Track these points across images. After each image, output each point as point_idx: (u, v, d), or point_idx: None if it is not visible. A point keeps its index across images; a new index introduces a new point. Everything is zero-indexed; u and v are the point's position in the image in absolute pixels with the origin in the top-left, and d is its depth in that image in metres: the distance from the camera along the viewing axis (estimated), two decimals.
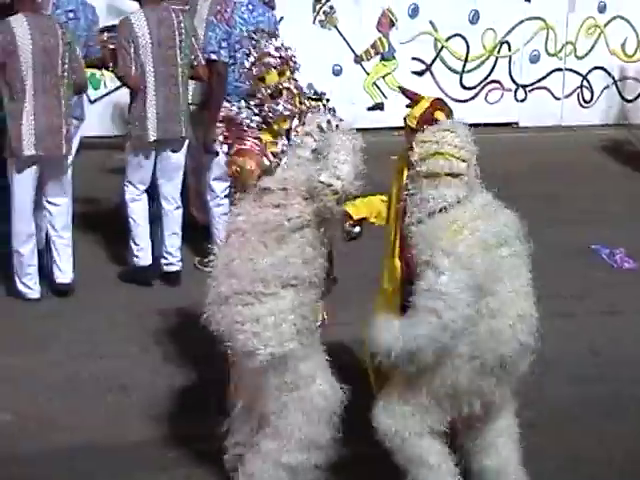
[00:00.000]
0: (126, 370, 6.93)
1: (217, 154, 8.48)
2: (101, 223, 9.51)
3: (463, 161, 5.00)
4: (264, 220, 5.01)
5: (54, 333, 7.51)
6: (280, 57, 5.87)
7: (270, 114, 5.75)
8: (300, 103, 5.70)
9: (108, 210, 9.47)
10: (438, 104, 5.47)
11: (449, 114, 5.40)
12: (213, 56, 8.51)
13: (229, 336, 5.03)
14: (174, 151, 8.60)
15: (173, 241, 8.73)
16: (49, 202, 8.21)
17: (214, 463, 5.65)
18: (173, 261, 8.75)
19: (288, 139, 5.80)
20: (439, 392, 4.95)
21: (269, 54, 5.82)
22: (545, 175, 11.72)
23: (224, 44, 8.48)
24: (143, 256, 8.63)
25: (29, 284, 8.15)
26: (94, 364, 7.04)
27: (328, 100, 5.75)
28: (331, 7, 13.44)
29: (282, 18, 11.52)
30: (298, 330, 4.97)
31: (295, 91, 5.82)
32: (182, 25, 8.41)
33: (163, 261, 8.73)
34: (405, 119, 5.47)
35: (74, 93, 8.25)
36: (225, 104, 8.51)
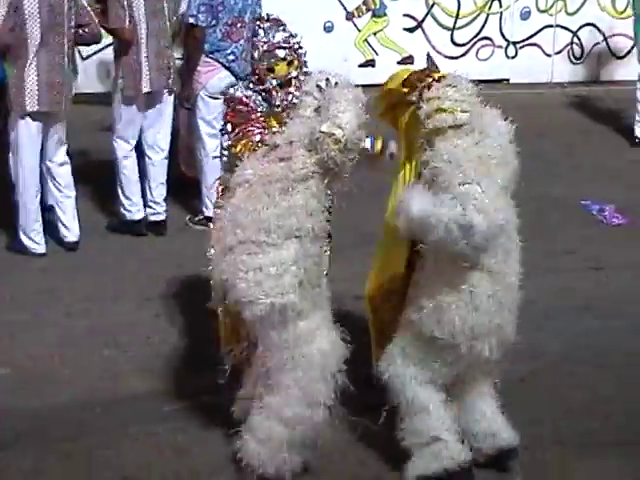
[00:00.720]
0: (122, 326, 6.95)
1: (189, 109, 8.81)
2: (96, 178, 9.50)
3: (465, 112, 5.05)
4: (270, 172, 5.02)
5: (52, 290, 7.52)
6: (289, 47, 5.88)
7: (282, 103, 5.79)
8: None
9: (102, 165, 9.44)
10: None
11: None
12: (191, 20, 8.60)
13: (232, 285, 5.02)
14: (163, 102, 8.65)
15: (160, 191, 8.77)
16: (52, 161, 8.19)
17: (209, 415, 5.70)
18: (160, 210, 8.79)
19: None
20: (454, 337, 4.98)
21: (278, 46, 5.83)
22: (536, 132, 11.71)
23: (203, 8, 8.55)
24: (136, 211, 8.67)
25: (36, 239, 8.16)
26: (91, 320, 7.06)
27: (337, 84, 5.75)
28: None
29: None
30: (300, 282, 4.96)
31: (303, 78, 5.84)
32: None
33: (149, 210, 8.77)
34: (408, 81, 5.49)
35: (88, 45, 8.45)
36: (211, 62, 8.60)
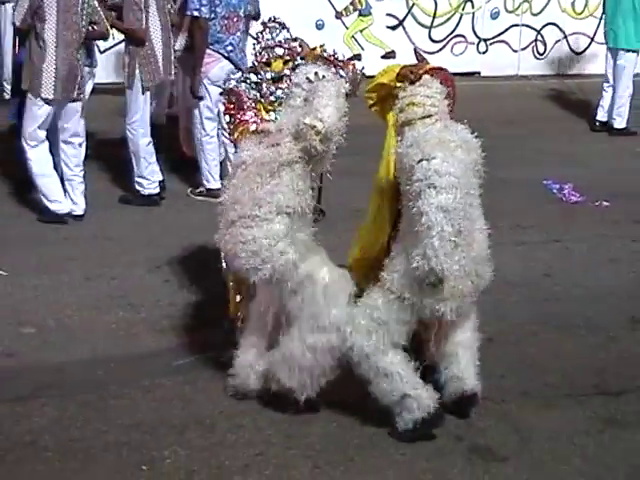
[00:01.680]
0: (135, 290, 6.94)
1: (202, 98, 8.78)
2: (112, 158, 9.49)
3: (433, 106, 5.06)
4: (261, 156, 5.10)
5: (71, 257, 7.50)
6: (288, 48, 5.85)
7: (269, 96, 5.76)
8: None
9: (119, 146, 9.41)
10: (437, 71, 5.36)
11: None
12: (195, 13, 8.62)
13: (234, 255, 5.10)
14: (166, 88, 8.81)
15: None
16: (65, 142, 8.19)
17: (213, 369, 5.69)
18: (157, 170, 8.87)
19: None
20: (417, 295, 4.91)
21: (279, 45, 5.81)
22: (504, 119, 11.71)
23: (205, 1, 8.57)
24: (154, 187, 8.75)
25: (59, 199, 8.17)
26: (106, 284, 7.04)
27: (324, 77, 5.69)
28: None
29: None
30: (293, 244, 5.05)
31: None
32: None
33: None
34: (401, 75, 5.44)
35: (97, 40, 8.46)
36: (213, 54, 8.58)
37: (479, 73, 14.69)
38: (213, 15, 8.61)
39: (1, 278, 7.10)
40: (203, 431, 5.16)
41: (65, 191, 8.27)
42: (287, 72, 5.83)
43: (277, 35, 5.86)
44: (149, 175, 8.71)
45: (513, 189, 8.97)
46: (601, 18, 12.79)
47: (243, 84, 5.82)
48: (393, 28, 14.00)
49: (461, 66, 13.95)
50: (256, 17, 8.85)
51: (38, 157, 8.09)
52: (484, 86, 13.62)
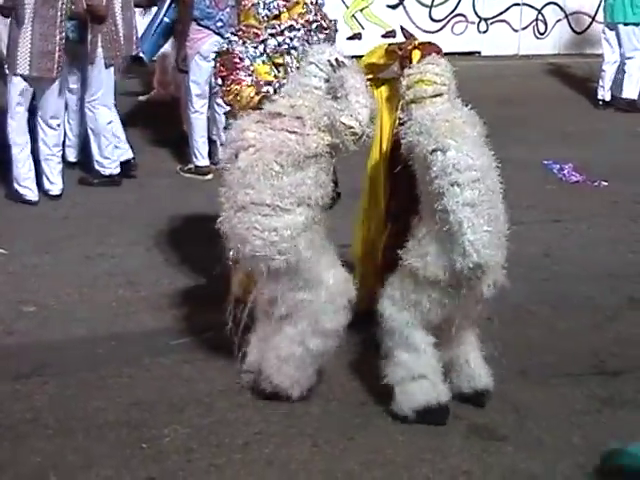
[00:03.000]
0: (134, 268, 6.95)
1: (186, 72, 8.85)
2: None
3: (443, 85, 5.03)
4: (279, 143, 4.93)
5: (70, 236, 7.52)
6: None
7: (281, 47, 5.73)
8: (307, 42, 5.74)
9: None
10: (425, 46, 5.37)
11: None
12: None
13: (245, 240, 4.97)
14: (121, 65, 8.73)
15: (122, 131, 8.84)
16: (44, 121, 8.19)
17: (212, 349, 5.70)
18: (127, 148, 8.90)
19: (278, 71, 5.81)
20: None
21: None
22: (504, 98, 11.69)
23: None
24: (115, 167, 8.69)
25: (30, 186, 8.16)
26: (106, 263, 7.06)
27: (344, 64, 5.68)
28: None
29: None
30: (311, 240, 4.97)
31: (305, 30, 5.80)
32: None
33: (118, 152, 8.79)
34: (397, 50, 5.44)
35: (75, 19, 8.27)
36: (202, 29, 8.58)
37: (479, 53, 14.67)
38: None
39: (1, 257, 7.12)
40: (202, 410, 5.18)
41: (40, 174, 8.26)
42: (291, 23, 5.82)
43: None
44: (109, 154, 8.62)
45: (513, 169, 8.87)
46: None
47: (238, 47, 5.77)
48: (393, 7, 13.97)
49: (461, 46, 13.95)
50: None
51: (16, 130, 8.09)
52: (484, 66, 13.61)
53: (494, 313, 6.10)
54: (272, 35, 5.78)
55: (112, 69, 8.50)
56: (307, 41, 5.82)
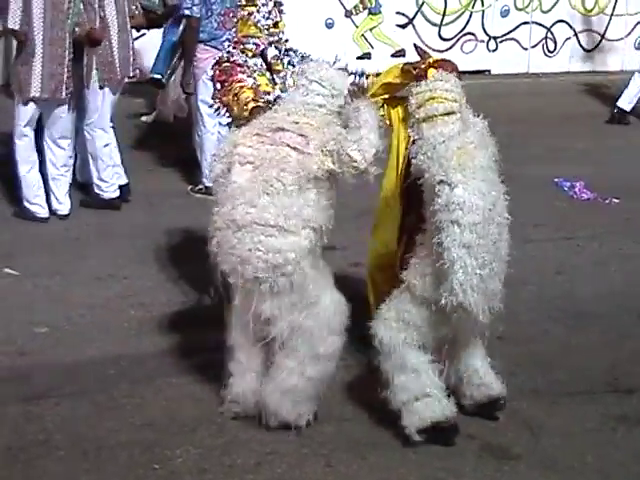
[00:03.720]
0: (145, 289, 6.95)
1: (191, 94, 8.90)
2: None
3: (454, 101, 5.01)
4: (280, 158, 4.86)
5: (81, 257, 7.52)
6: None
7: (278, 55, 5.75)
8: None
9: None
10: (441, 64, 5.41)
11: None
12: (187, 12, 8.75)
13: (244, 261, 4.86)
14: (120, 87, 8.64)
15: (118, 156, 8.74)
16: (53, 142, 8.22)
17: (219, 370, 5.69)
18: (122, 173, 8.77)
19: (274, 80, 5.84)
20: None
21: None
22: (514, 116, 11.68)
23: (197, 1, 8.67)
24: (112, 190, 8.61)
25: (40, 204, 8.19)
26: (117, 283, 7.06)
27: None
28: None
29: None
30: (313, 265, 4.92)
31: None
32: None
33: (117, 180, 8.72)
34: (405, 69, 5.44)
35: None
36: (210, 49, 8.62)
37: (489, 71, 14.65)
38: (209, 13, 8.70)
39: (13, 278, 7.13)
40: (215, 430, 5.17)
41: (49, 193, 8.26)
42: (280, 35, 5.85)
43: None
44: (107, 178, 8.56)
45: (524, 187, 8.91)
46: None
47: (237, 54, 5.79)
48: (403, 26, 13.97)
49: (471, 64, 13.93)
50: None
51: (24, 150, 8.11)
52: (494, 84, 13.59)
53: (505, 331, 6.10)
54: (271, 43, 5.81)
55: (108, 92, 8.43)
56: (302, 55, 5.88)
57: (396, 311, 5.01)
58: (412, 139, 5.12)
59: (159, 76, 9.62)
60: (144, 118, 11.33)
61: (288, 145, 4.87)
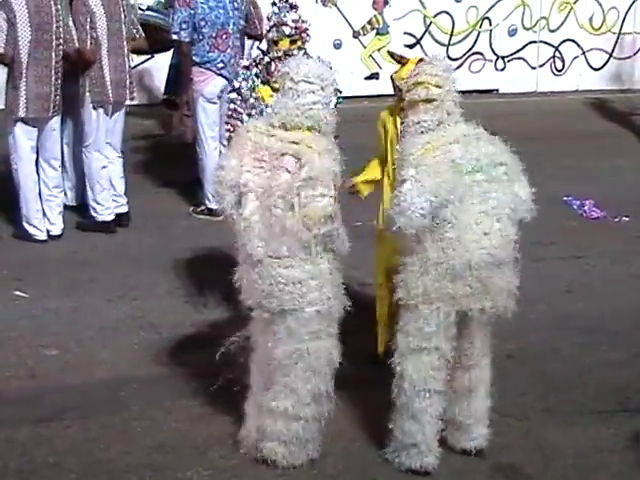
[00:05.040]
0: (155, 310, 6.95)
1: (189, 116, 8.97)
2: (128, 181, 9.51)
3: (438, 87, 5.00)
4: (278, 185, 4.75)
5: (91, 279, 7.53)
6: (295, 28, 5.89)
7: (275, 71, 5.77)
8: None
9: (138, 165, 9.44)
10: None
11: None
12: (175, 37, 8.80)
13: (268, 295, 4.78)
14: (121, 111, 8.61)
15: (122, 184, 8.72)
16: (46, 162, 8.25)
17: (233, 391, 5.69)
18: (123, 202, 8.73)
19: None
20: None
21: (286, 24, 5.83)
22: (522, 135, 11.63)
23: (185, 26, 8.68)
24: (108, 214, 8.58)
25: (38, 226, 8.22)
26: (127, 305, 7.07)
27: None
28: None
29: None
30: (337, 288, 4.86)
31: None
32: (124, 2, 8.45)
33: (114, 204, 8.66)
34: (393, 79, 5.55)
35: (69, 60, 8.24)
36: (205, 71, 8.64)
37: (497, 90, 14.69)
38: (200, 36, 8.71)
39: (23, 300, 7.14)
40: (225, 451, 5.16)
41: (43, 212, 8.29)
42: (295, 51, 5.87)
43: (285, 15, 5.89)
44: (103, 201, 8.53)
45: (533, 205, 8.94)
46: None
47: (244, 82, 5.83)
48: (411, 46, 14.01)
49: (479, 83, 13.98)
50: (259, 38, 8.77)
51: (23, 171, 8.15)
52: (503, 103, 13.63)
53: (516, 350, 6.10)
54: (272, 60, 5.85)
55: (102, 114, 8.42)
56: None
57: (406, 338, 4.92)
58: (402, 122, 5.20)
59: (167, 96, 9.68)
60: (165, 135, 11.37)
61: (287, 170, 4.78)
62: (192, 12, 8.63)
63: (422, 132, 4.92)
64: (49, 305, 7.03)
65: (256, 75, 5.91)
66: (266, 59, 5.87)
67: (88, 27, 8.21)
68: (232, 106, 5.90)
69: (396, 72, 5.67)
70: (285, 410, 4.91)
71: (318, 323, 4.83)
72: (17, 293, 7.23)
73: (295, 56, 5.01)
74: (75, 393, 5.79)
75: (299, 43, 5.91)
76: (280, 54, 5.83)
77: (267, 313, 4.86)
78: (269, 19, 5.94)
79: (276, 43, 5.87)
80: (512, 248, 4.99)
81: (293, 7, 6.00)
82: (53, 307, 6.99)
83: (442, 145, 4.85)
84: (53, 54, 8.00)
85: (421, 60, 5.53)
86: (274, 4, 6.00)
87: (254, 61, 5.96)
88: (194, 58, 8.77)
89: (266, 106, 5.89)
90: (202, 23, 8.66)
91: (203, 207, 9.03)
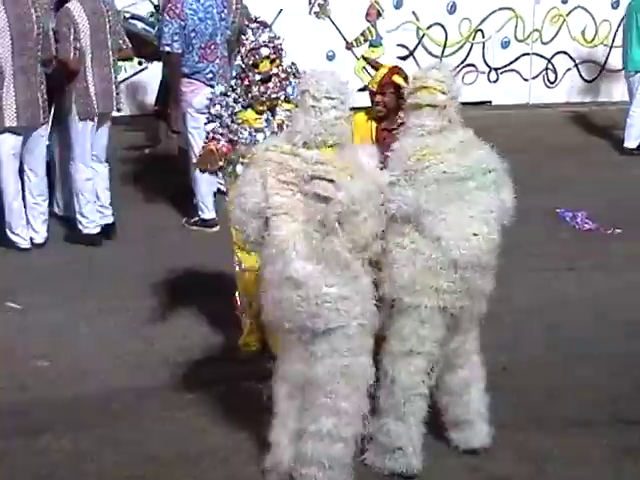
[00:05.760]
0: (148, 322, 6.93)
1: (178, 133, 8.93)
2: (126, 194, 9.51)
3: (443, 93, 5.03)
4: (313, 211, 4.66)
5: (83, 290, 7.51)
6: (273, 47, 5.89)
7: (260, 96, 5.78)
8: (283, 89, 5.81)
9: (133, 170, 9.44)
10: (395, 70, 5.92)
11: (405, 78, 5.71)
12: (167, 48, 8.76)
13: (314, 315, 4.67)
14: (107, 123, 8.61)
15: (107, 195, 8.70)
16: (31, 170, 8.26)
17: (227, 402, 5.69)
18: (108, 213, 8.71)
19: (273, 114, 5.87)
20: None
21: (264, 45, 5.82)
22: (515, 147, 11.67)
23: (176, 37, 8.68)
24: (93, 226, 8.55)
25: (21, 234, 8.22)
26: (119, 316, 7.04)
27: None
28: (325, 0, 13.38)
29: (281, 10, 11.55)
30: (373, 302, 4.83)
31: (282, 75, 5.88)
32: (109, 13, 8.45)
33: (98, 216, 8.63)
34: (368, 84, 5.63)
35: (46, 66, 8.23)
36: (194, 82, 8.64)
37: (490, 102, 14.70)
38: (190, 47, 8.72)
39: (16, 312, 7.13)
40: (218, 463, 5.16)
41: (28, 221, 8.29)
42: (275, 71, 5.88)
43: (260, 36, 5.88)
44: (88, 214, 8.49)
45: (526, 217, 8.88)
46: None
47: (218, 106, 5.83)
48: (404, 58, 14.02)
49: (472, 95, 13.96)
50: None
51: (5, 179, 8.15)
52: (495, 115, 13.63)
53: (509, 362, 6.10)
54: (254, 84, 5.84)
55: (88, 125, 8.38)
56: (283, 88, 5.90)
57: (399, 340, 4.99)
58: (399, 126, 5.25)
59: (158, 107, 9.68)
60: (147, 150, 11.37)
61: (319, 195, 4.67)
62: (183, 23, 8.64)
63: (422, 135, 4.97)
64: (41, 317, 7.01)
65: (235, 101, 5.88)
66: (246, 83, 5.85)
67: (72, 38, 8.17)
68: (210, 127, 5.82)
69: (372, 78, 5.78)
70: (328, 431, 4.79)
71: (359, 338, 4.78)
72: (9, 304, 7.22)
73: (307, 72, 5.00)
74: (67, 405, 5.78)
75: (278, 62, 5.91)
76: (262, 77, 5.83)
77: (308, 334, 4.75)
78: (243, 44, 5.92)
79: (256, 66, 5.85)
80: (495, 254, 5.05)
81: (266, 26, 6.00)
82: (45, 318, 6.98)
83: (438, 154, 4.92)
84: (34, 61, 8.00)
85: (395, 67, 5.78)
86: (247, 26, 6.02)
87: (231, 87, 5.93)
88: (183, 69, 8.77)
89: (255, 130, 5.87)
90: (192, 34, 8.68)
91: (197, 218, 9.01)
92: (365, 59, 5.83)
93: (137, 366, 6.29)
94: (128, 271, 7.89)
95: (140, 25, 9.82)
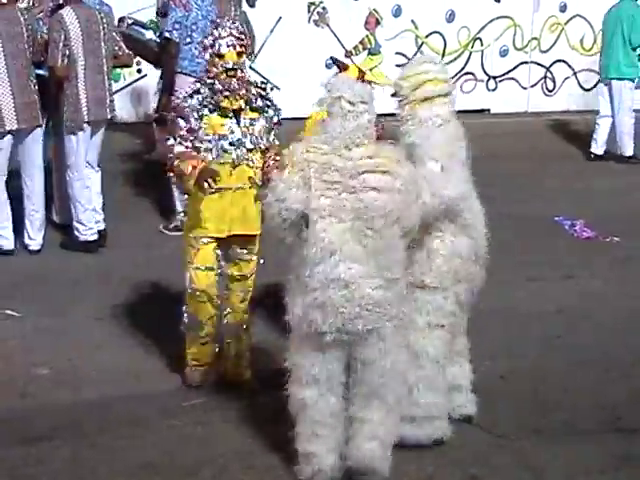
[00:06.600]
0: (145, 329, 6.92)
1: (166, 123, 8.62)
2: (122, 202, 9.50)
3: (445, 82, 5.23)
4: (364, 206, 4.68)
5: (81, 298, 7.51)
6: (241, 40, 5.84)
7: (223, 89, 5.71)
8: (247, 90, 5.76)
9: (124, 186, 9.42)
10: (361, 76, 5.90)
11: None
12: (167, 34, 8.83)
13: (354, 317, 4.67)
14: (100, 129, 8.60)
15: (99, 201, 8.71)
16: (28, 176, 8.27)
17: (225, 410, 5.68)
18: (99, 219, 8.71)
19: (238, 121, 5.79)
20: None
21: (232, 34, 5.78)
22: (514, 155, 11.72)
23: (177, 26, 8.75)
24: (90, 234, 8.56)
25: (7, 236, 8.24)
26: (117, 324, 7.05)
27: (272, 88, 5.94)
28: (324, 8, 13.38)
29: (280, 18, 11.57)
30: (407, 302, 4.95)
31: (246, 77, 5.86)
32: (104, 20, 8.44)
33: (96, 224, 8.63)
34: None
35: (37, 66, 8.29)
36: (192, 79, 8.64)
37: (489, 110, 14.72)
38: (189, 39, 8.75)
39: (14, 320, 7.13)
40: (215, 471, 5.15)
41: (24, 226, 8.31)
42: (240, 63, 5.85)
43: (230, 27, 5.86)
44: (86, 221, 8.51)
45: (525, 225, 8.96)
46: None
47: (190, 99, 5.79)
48: (402, 66, 14.04)
49: (471, 103, 14.00)
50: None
51: None
52: (494, 123, 13.65)
53: (507, 370, 6.09)
54: (215, 76, 5.78)
55: (81, 134, 8.37)
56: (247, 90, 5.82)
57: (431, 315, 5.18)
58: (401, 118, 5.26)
59: (158, 115, 9.64)
60: (147, 156, 11.35)
61: (374, 188, 4.70)
62: (186, 14, 8.69)
63: (440, 125, 5.09)
64: (39, 324, 7.01)
65: (200, 103, 5.75)
66: (211, 75, 5.77)
67: (61, 45, 8.17)
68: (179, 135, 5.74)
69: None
70: (385, 434, 4.88)
71: (399, 337, 4.87)
72: (8, 312, 7.22)
73: (337, 78, 5.07)
74: (65, 412, 5.77)
75: (244, 57, 5.88)
76: (227, 67, 5.73)
77: (347, 335, 4.74)
78: (212, 34, 5.88)
79: (222, 57, 5.76)
80: None
81: (235, 22, 5.99)
82: (43, 326, 6.97)
83: (460, 140, 5.12)
84: (27, 63, 8.05)
85: (360, 70, 5.76)
86: (212, 21, 6.04)
87: (197, 91, 5.81)
88: (182, 62, 8.78)
89: (219, 137, 5.73)
90: (194, 27, 8.73)
91: (176, 222, 8.90)
92: (333, 60, 5.81)
93: (134, 374, 6.28)
94: (126, 278, 7.88)
95: (144, 32, 9.82)
